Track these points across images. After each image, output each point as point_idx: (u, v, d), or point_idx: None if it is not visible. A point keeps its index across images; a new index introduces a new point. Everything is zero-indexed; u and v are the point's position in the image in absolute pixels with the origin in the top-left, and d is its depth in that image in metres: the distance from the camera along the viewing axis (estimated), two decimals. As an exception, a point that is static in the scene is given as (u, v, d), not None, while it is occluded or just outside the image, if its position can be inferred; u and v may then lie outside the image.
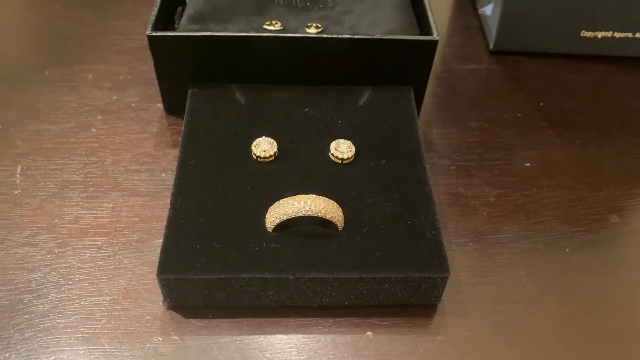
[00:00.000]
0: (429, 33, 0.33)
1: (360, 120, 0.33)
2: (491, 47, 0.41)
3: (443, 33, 0.43)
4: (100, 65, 0.39)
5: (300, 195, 0.27)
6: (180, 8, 0.37)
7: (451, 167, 0.34)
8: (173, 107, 0.36)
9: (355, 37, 0.32)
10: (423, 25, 0.35)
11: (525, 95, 0.39)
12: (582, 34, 0.40)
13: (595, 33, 0.40)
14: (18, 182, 0.32)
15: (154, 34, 0.32)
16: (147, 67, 0.39)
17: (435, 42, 0.32)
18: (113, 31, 0.42)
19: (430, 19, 0.33)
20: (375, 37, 0.32)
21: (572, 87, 0.40)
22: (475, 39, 0.43)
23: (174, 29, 0.35)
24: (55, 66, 0.39)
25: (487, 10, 0.42)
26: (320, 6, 0.38)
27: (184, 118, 0.32)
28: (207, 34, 0.32)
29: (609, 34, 0.40)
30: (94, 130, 0.35)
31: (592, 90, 0.40)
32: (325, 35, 0.32)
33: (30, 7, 0.43)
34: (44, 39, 0.41)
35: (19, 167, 0.33)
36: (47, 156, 0.33)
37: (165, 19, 0.35)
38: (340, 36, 0.32)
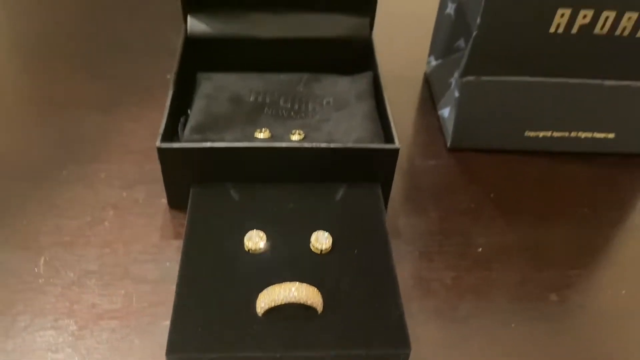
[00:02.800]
0: (392, 141, 0.39)
1: (337, 214, 0.39)
2: (448, 145, 0.48)
3: (408, 132, 0.50)
4: (112, 164, 0.45)
5: (286, 283, 0.33)
6: (182, 118, 0.43)
7: (415, 253, 0.40)
8: (176, 202, 0.41)
9: (331, 146, 0.38)
10: (387, 134, 0.41)
11: (478, 187, 0.45)
12: (525, 134, 0.47)
13: (537, 133, 0.47)
14: (42, 271, 0.37)
15: (162, 146, 0.38)
16: (152, 166, 0.44)
17: (396, 150, 0.39)
18: (123, 133, 0.48)
19: (393, 130, 0.40)
20: (348, 146, 0.39)
21: (519, 180, 0.46)
22: (435, 137, 0.50)
23: (177, 137, 0.42)
24: (73, 165, 0.45)
25: (445, 112, 0.50)
26: (302, 115, 0.45)
27: (187, 214, 0.38)
28: (208, 145, 0.38)
29: (549, 133, 0.47)
30: (107, 224, 0.40)
31: (536, 182, 0.46)
32: (306, 145, 0.38)
33: (55, 112, 0.50)
34: (64, 140, 0.47)
35: (42, 258, 0.38)
36: (66, 248, 0.39)
37: (170, 124, 0.41)
38: (319, 145, 0.38)
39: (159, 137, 0.38)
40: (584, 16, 0.41)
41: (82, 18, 0.61)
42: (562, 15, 0.41)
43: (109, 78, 0.54)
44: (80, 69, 0.55)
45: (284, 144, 0.39)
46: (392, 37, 0.56)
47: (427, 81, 0.56)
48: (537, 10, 0.41)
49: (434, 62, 0.55)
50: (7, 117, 0.49)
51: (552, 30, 0.42)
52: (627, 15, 0.41)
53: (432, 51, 0.55)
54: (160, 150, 0.38)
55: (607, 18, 0.41)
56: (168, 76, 0.53)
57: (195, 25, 0.48)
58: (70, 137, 0.47)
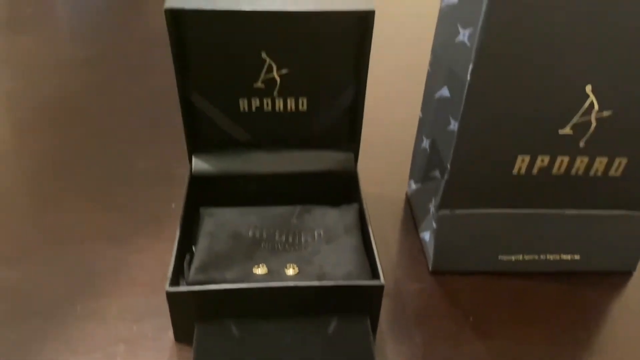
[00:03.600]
0: (378, 277, 0.44)
1: (330, 349, 0.42)
2: (430, 268, 0.53)
3: (393, 253, 0.55)
4: (121, 298, 0.49)
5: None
6: (188, 256, 0.48)
7: (402, 380, 0.44)
8: (182, 336, 0.45)
9: (323, 284, 0.43)
10: (374, 269, 0.46)
11: (459, 310, 0.49)
12: (499, 257, 0.52)
13: (509, 256, 0.52)
14: (59, 411, 0.40)
15: (171, 290, 0.42)
16: (158, 299, 0.48)
17: (381, 287, 0.43)
18: (131, 265, 0.52)
19: (379, 266, 0.45)
20: (338, 283, 0.43)
21: (495, 301, 0.50)
22: (418, 259, 0.54)
23: (183, 275, 0.46)
24: (86, 299, 0.49)
25: (426, 236, 0.55)
26: (296, 247, 0.49)
27: (192, 352, 0.42)
28: (211, 288, 0.42)
29: (520, 256, 0.52)
30: (118, 358, 0.44)
31: (512, 302, 0.50)
32: (300, 284, 0.43)
33: (67, 245, 0.54)
34: (76, 275, 0.51)
35: (59, 397, 0.41)
36: (81, 386, 0.42)
37: (177, 266, 0.46)
38: (311, 284, 0.43)
39: (168, 281, 0.43)
40: (542, 160, 0.47)
41: (93, 148, 0.67)
42: (523, 160, 0.47)
43: (119, 208, 0.59)
44: (90, 199, 0.60)
45: (279, 284, 0.43)
46: (376, 162, 0.62)
47: (409, 202, 0.61)
48: (500, 156, 0.46)
49: (414, 186, 0.60)
50: (18, 251, 0.54)
51: (515, 172, 0.47)
52: (579, 159, 0.47)
53: (412, 175, 0.61)
54: (169, 294, 0.42)
55: (562, 161, 0.47)
56: (173, 205, 0.59)
57: (199, 164, 0.54)
58: (82, 270, 0.52)
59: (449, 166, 0.47)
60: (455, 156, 0.47)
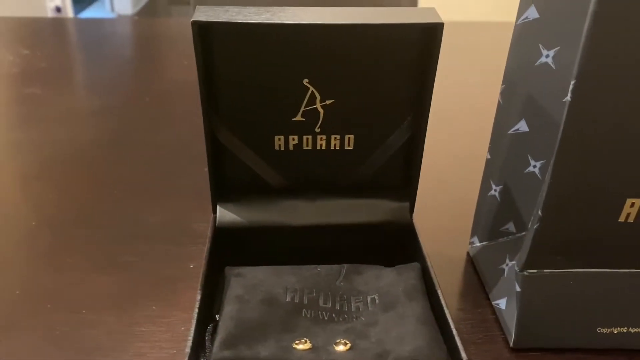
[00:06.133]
0: (459, 357, 0.34)
1: None
2: (511, 344, 0.42)
3: (461, 329, 0.44)
4: (125, 381, 0.39)
5: None
6: (210, 326, 0.38)
7: None
8: None
9: (387, 364, 0.33)
10: (449, 343, 0.36)
11: (554, 399, 0.38)
12: (598, 330, 0.42)
13: (611, 329, 0.42)
14: None
15: (189, 373, 0.32)
16: (173, 383, 0.39)
17: (466, 367, 0.33)
18: (139, 338, 0.42)
19: (457, 340, 0.34)
20: (407, 364, 0.33)
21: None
22: (494, 333, 0.44)
23: (204, 352, 0.36)
24: (79, 385, 0.38)
25: (502, 304, 0.44)
26: (345, 316, 0.39)
27: None
28: (242, 368, 0.32)
29: (624, 329, 0.42)
30: None
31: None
32: (357, 365, 0.33)
33: (63, 314, 0.44)
34: (71, 351, 0.41)
35: None
36: None
37: (197, 339, 0.36)
38: (372, 365, 0.33)
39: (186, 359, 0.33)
40: (655, 205, 0.37)
41: (100, 201, 0.59)
42: (633, 204, 0.37)
43: (125, 269, 0.49)
44: (95, 258, 0.50)
45: (331, 364, 0.33)
46: (430, 213, 0.52)
47: (473, 264, 0.51)
48: (604, 200, 0.37)
49: (478, 243, 0.51)
50: (12, 320, 0.44)
51: (621, 219, 0.38)
52: (703, 203, 0.37)
53: (475, 232, 0.51)
54: (186, 379, 0.32)
55: (682, 207, 0.37)
56: (191, 265, 0.49)
57: (225, 215, 0.45)
58: (77, 346, 0.42)
59: (539, 213, 0.38)
60: (547, 203, 0.37)
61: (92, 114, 0.77)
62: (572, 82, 0.33)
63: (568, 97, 0.34)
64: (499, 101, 0.45)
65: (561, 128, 0.35)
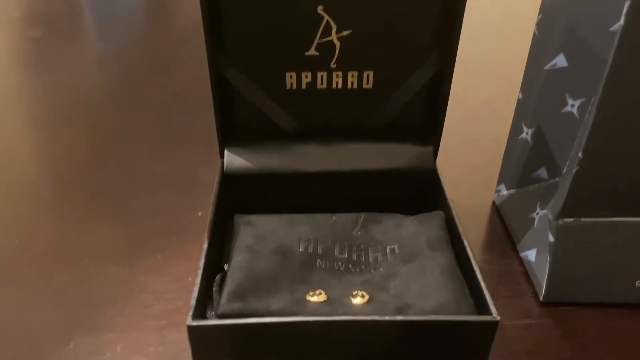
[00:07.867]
0: (487, 310, 0.31)
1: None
2: (541, 298, 0.39)
3: (487, 282, 0.41)
4: (129, 333, 0.37)
5: None
6: (218, 277, 0.35)
7: None
8: (208, 390, 0.32)
9: (409, 319, 0.30)
10: (478, 297, 0.33)
11: (582, 356, 0.36)
12: (637, 284, 0.38)
13: (651, 283, 0.38)
14: None
15: (194, 324, 0.30)
16: (179, 335, 0.36)
17: (495, 323, 0.30)
18: (143, 289, 0.40)
19: (486, 294, 0.32)
20: (430, 318, 0.30)
21: (632, 343, 0.37)
22: (522, 287, 0.41)
23: (212, 304, 0.33)
24: (81, 336, 0.36)
25: (531, 255, 0.41)
26: (363, 267, 0.37)
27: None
28: (251, 321, 0.30)
29: (665, 283, 0.38)
30: (120, 421, 0.32)
31: (658, 346, 0.37)
32: (377, 319, 0.30)
33: (63, 265, 0.42)
34: (72, 304, 0.39)
35: None
36: None
37: (203, 289, 0.33)
38: (392, 319, 0.30)
39: (190, 312, 0.30)
40: None
41: (103, 150, 0.56)
42: (684, 147, 0.33)
43: (132, 218, 0.47)
44: (99, 207, 0.48)
45: (345, 318, 0.30)
46: (453, 159, 0.48)
47: (499, 213, 0.48)
48: (652, 142, 0.33)
49: (505, 192, 0.47)
50: (1, 271, 0.42)
51: (671, 163, 0.34)
52: None
53: (503, 179, 0.48)
54: (191, 330, 0.30)
55: None
56: (199, 213, 0.47)
57: (234, 160, 0.42)
58: (79, 297, 0.39)
59: (580, 154, 0.34)
60: (588, 145, 0.34)
61: (97, 60, 0.74)
62: (627, 4, 0.29)
63: (621, 22, 0.30)
64: (534, 33, 0.41)
65: (610, 60, 0.31)
